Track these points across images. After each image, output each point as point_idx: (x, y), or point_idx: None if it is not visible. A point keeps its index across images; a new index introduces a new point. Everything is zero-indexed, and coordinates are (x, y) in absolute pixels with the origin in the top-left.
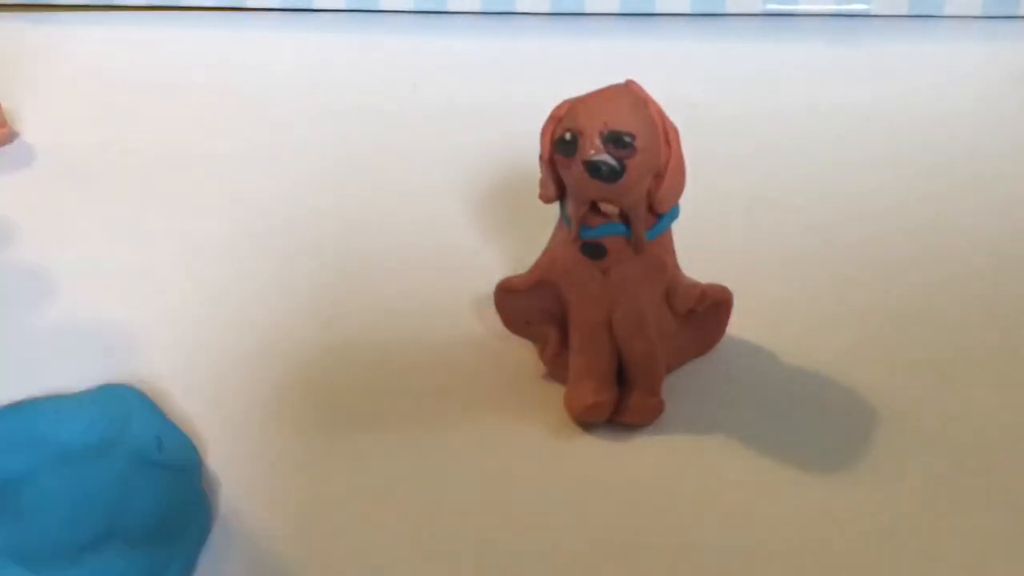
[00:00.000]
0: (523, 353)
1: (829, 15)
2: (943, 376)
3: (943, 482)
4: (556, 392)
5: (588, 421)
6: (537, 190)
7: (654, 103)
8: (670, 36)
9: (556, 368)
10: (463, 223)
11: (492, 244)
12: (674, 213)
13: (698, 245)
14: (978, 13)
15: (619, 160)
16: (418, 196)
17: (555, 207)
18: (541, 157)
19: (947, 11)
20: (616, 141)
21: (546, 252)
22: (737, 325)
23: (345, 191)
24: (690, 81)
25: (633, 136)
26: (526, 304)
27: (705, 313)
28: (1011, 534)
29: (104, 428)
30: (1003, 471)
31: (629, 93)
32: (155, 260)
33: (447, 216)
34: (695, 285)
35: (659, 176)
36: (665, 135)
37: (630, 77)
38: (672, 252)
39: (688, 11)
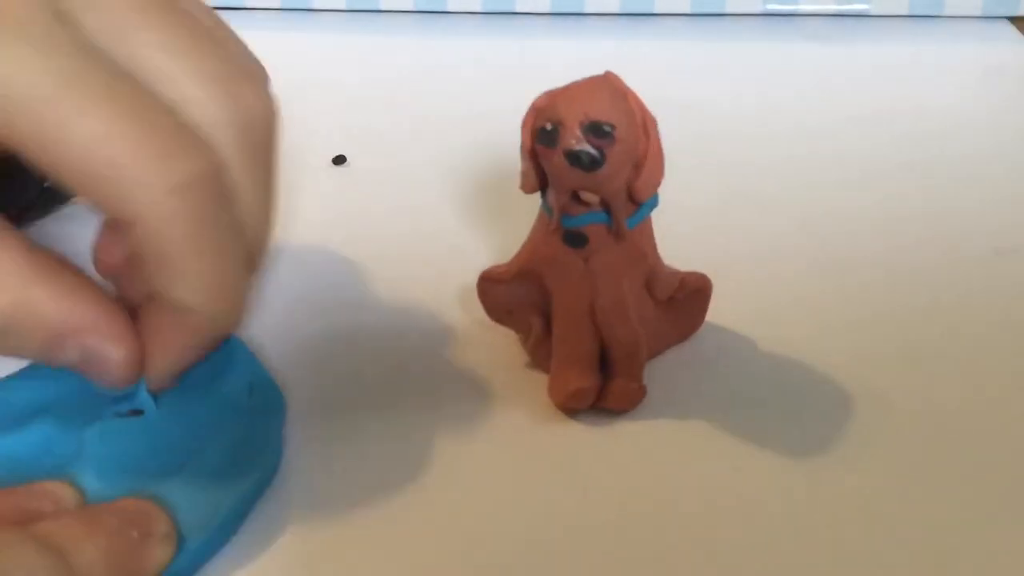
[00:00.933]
0: (506, 342)
1: (829, 15)
2: (922, 363)
3: (922, 467)
4: (540, 380)
5: (572, 407)
6: (519, 181)
7: (633, 94)
8: (670, 36)
9: (539, 356)
10: (449, 213)
11: (476, 234)
12: (653, 202)
13: (679, 235)
14: (978, 13)
15: (599, 149)
16: (405, 188)
17: (538, 198)
18: (522, 148)
19: (947, 11)
20: (596, 131)
21: (528, 242)
22: (716, 312)
23: (331, 184)
24: (690, 81)
25: (613, 126)
26: (508, 293)
27: (685, 301)
28: (990, 518)
29: (203, 369)
30: (980, 455)
31: (608, 84)
32: None
33: (433, 206)
34: (675, 273)
35: (638, 166)
36: (644, 126)
37: (610, 70)
38: (652, 241)
39: (688, 11)
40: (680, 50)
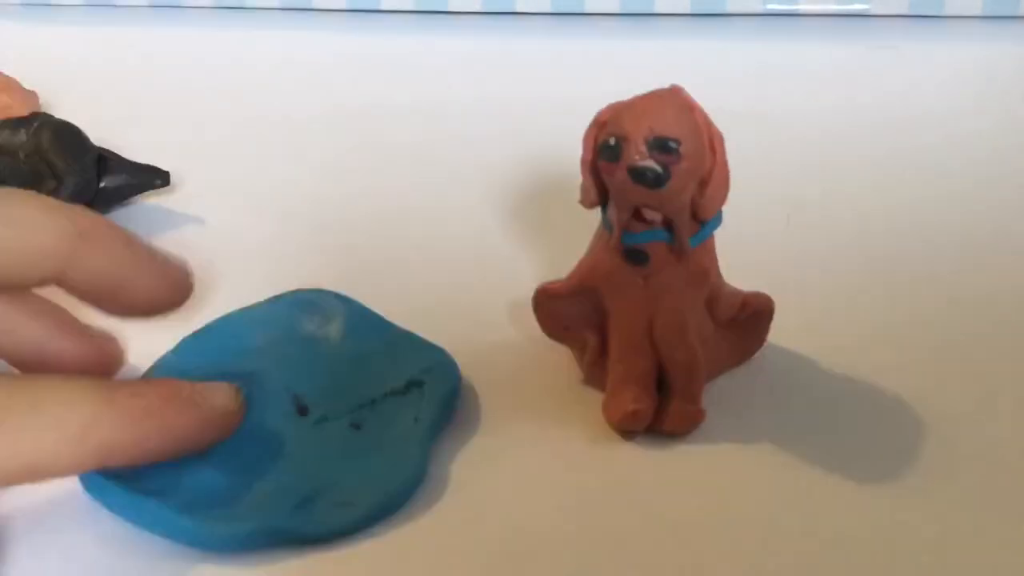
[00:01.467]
0: (561, 359)
1: (829, 15)
2: (991, 387)
3: (997, 496)
4: (595, 399)
5: (627, 429)
6: (564, 196)
7: (700, 109)
8: (670, 36)
9: (595, 375)
10: (491, 226)
11: (524, 249)
12: (717, 220)
13: (741, 252)
14: (978, 13)
15: (664, 166)
16: (433, 199)
17: (582, 212)
18: (583, 161)
19: (947, 11)
20: (661, 147)
21: (587, 257)
22: (776, 333)
23: (356, 194)
24: (690, 81)
25: (679, 142)
26: (565, 309)
27: (746, 322)
28: None
29: None
30: None
31: (675, 98)
32: None
33: (472, 218)
34: (736, 293)
35: (703, 183)
36: (710, 142)
37: (676, 83)
38: (715, 259)
39: (688, 11)
40: (680, 50)
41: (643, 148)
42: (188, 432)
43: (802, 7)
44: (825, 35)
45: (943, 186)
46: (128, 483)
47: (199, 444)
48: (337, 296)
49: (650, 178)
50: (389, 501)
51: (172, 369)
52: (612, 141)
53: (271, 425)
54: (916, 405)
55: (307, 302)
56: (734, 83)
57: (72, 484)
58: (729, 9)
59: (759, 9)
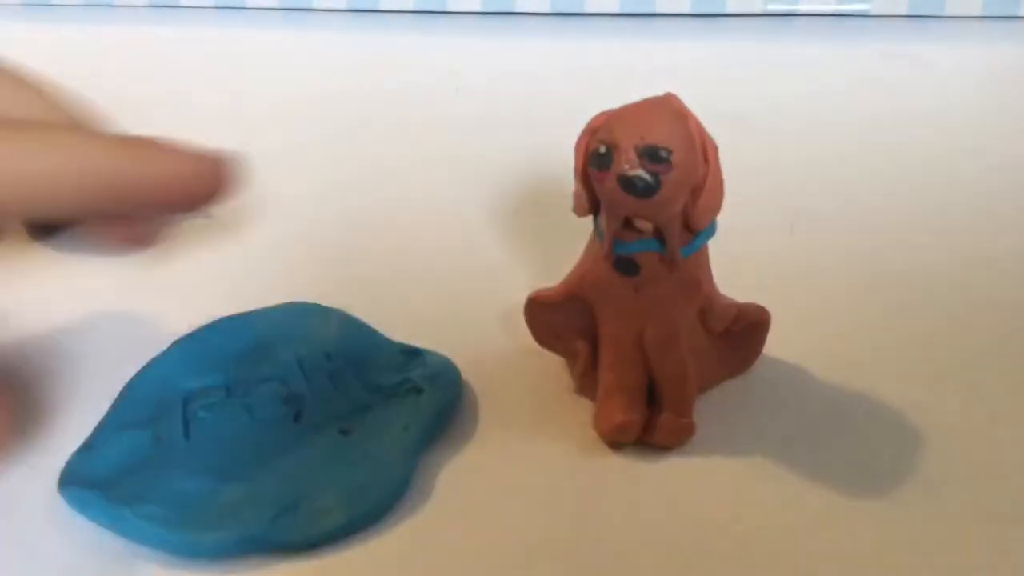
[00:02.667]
0: (553, 368)
1: (829, 15)
2: (990, 400)
3: (988, 509)
4: (585, 408)
5: (616, 440)
6: (563, 201)
7: (693, 117)
8: (670, 36)
9: (586, 384)
10: (488, 232)
11: (519, 255)
12: (711, 231)
13: (737, 261)
14: (978, 13)
15: (654, 175)
16: (428, 203)
17: (575, 219)
18: (575, 169)
19: (947, 11)
20: (652, 156)
21: (578, 265)
22: (773, 345)
23: (352, 198)
24: (690, 81)
25: (670, 151)
26: (556, 318)
27: (741, 333)
28: None
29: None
30: None
31: (668, 106)
32: (161, 273)
33: (468, 223)
34: (731, 305)
35: (696, 192)
36: (703, 151)
37: (670, 91)
38: (708, 270)
39: (688, 11)
40: (680, 50)
41: (633, 157)
42: (169, 168)
43: (802, 7)
44: (825, 35)
45: (942, 187)
46: (105, 491)
47: (182, 186)
48: (332, 309)
49: (640, 187)
50: (369, 511)
51: (162, 373)
52: (602, 149)
53: (260, 430)
54: (913, 418)
55: (301, 312)
56: (734, 83)
57: (50, 491)
58: (729, 9)
59: (759, 9)
